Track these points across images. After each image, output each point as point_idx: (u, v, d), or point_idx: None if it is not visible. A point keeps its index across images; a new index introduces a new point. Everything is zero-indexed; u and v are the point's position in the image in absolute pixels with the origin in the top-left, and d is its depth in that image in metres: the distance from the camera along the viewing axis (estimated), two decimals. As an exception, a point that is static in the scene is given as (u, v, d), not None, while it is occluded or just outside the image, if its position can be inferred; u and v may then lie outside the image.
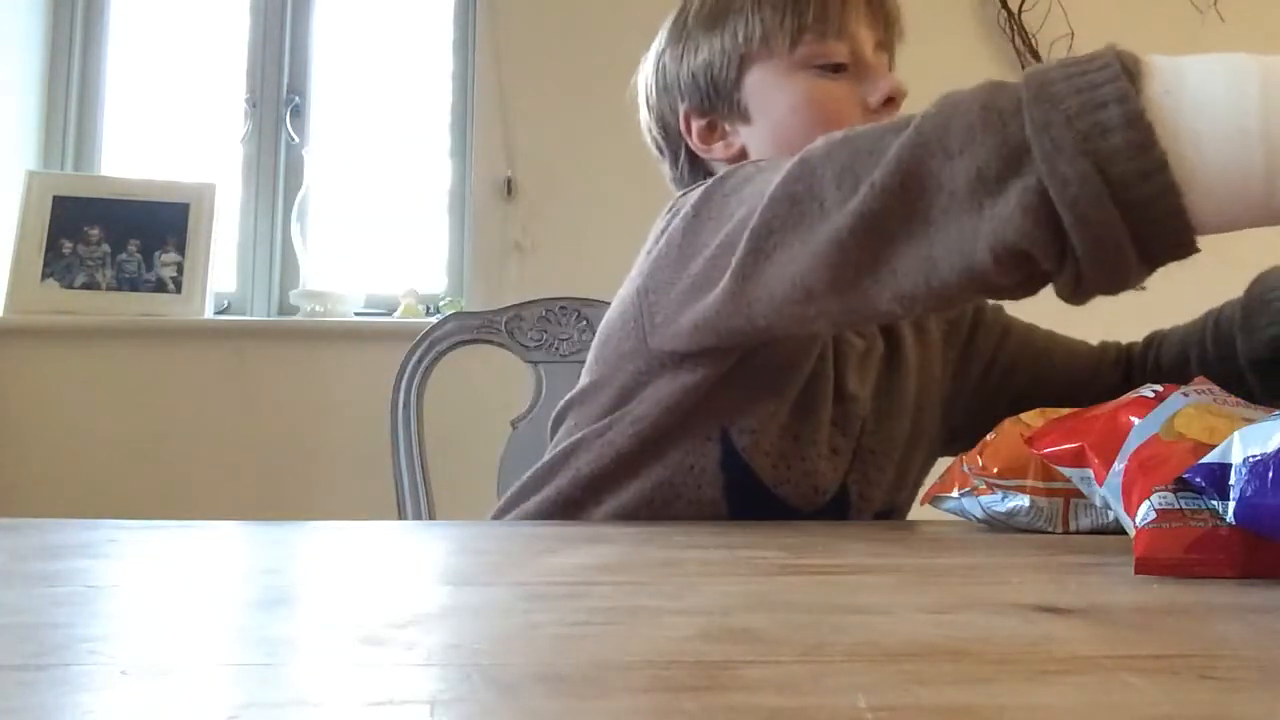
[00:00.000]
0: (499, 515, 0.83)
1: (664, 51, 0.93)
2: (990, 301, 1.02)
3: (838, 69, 0.88)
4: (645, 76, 0.95)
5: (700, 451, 0.77)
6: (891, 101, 0.89)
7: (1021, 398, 0.92)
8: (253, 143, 2.11)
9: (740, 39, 0.89)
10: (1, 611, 0.33)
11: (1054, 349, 1.09)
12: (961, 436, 0.94)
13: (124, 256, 1.97)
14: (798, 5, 0.88)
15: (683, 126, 0.93)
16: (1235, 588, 0.41)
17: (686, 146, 0.93)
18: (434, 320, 1.14)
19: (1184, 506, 0.45)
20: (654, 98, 0.94)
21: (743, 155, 0.90)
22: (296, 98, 2.12)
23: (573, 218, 1.93)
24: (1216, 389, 0.58)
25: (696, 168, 0.94)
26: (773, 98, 0.89)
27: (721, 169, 0.89)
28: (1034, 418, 0.77)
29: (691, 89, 0.92)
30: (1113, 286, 0.58)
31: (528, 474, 0.83)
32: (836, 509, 0.83)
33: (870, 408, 0.86)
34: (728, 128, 0.91)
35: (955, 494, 0.79)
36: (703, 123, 0.92)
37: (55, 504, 1.75)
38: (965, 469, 0.79)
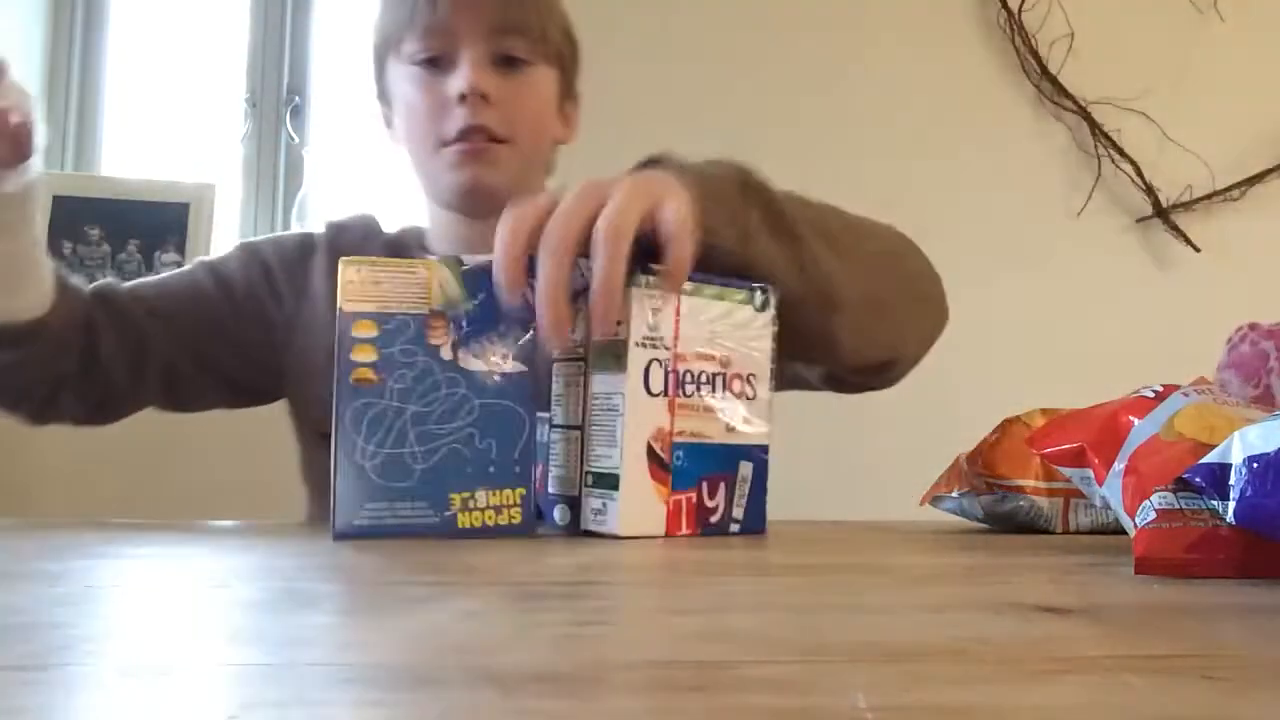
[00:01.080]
0: None
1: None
2: None
3: (434, 63, 0.92)
4: None
5: None
6: (465, 97, 0.90)
7: None
8: (253, 143, 2.11)
9: (376, 34, 0.97)
10: (1, 611, 0.33)
11: None
12: None
13: (124, 256, 1.97)
14: (406, 2, 0.92)
15: (380, 110, 1.01)
16: (1235, 588, 0.41)
17: None
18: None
19: (1184, 506, 0.45)
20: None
21: (397, 139, 0.98)
22: (296, 98, 2.12)
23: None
24: (1216, 389, 0.58)
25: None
26: (395, 89, 0.96)
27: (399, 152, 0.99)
28: (1034, 418, 0.77)
29: (374, 76, 1.00)
30: None
31: None
32: None
33: None
34: (387, 113, 1.00)
35: (955, 494, 0.79)
36: (381, 107, 1.01)
37: (56, 504, 1.75)
38: (965, 468, 0.79)
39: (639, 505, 0.62)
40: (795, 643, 0.28)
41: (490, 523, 0.62)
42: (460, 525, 0.61)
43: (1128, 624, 0.33)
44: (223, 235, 2.04)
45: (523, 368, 0.63)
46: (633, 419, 0.62)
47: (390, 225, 1.07)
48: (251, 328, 0.97)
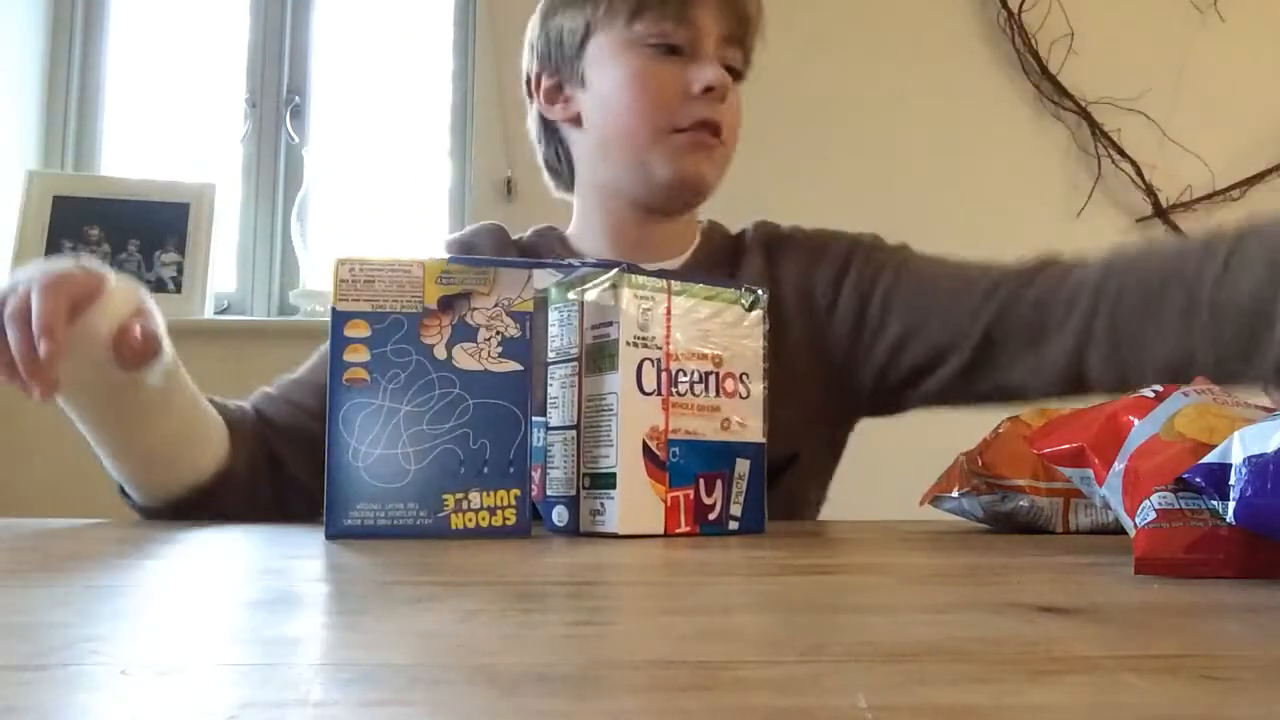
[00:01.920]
0: None
1: (537, 12, 0.98)
2: (880, 243, 0.99)
3: (671, 50, 0.91)
4: (527, 34, 1.00)
5: None
6: (712, 90, 0.90)
7: (907, 337, 0.91)
8: (253, 143, 2.11)
9: (588, 7, 0.93)
10: (1, 611, 0.33)
11: (941, 278, 0.93)
12: (883, 390, 0.94)
13: (124, 256, 1.97)
14: None
15: (534, 84, 0.98)
16: (1235, 588, 0.41)
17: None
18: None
19: (1184, 506, 0.45)
20: (525, 54, 1.00)
21: (578, 120, 0.95)
22: (296, 98, 2.12)
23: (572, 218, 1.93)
24: (1216, 389, 0.58)
25: (546, 126, 0.99)
26: (607, 68, 0.93)
27: (564, 130, 0.97)
28: (1034, 418, 0.77)
29: (544, 49, 0.97)
30: None
31: None
32: None
33: None
34: (569, 91, 0.96)
35: (955, 494, 0.79)
36: (551, 83, 0.97)
37: (55, 504, 1.75)
38: (965, 468, 0.79)
39: (637, 503, 0.62)
40: (795, 643, 0.28)
41: (484, 524, 0.62)
42: (453, 526, 0.61)
43: (1128, 624, 0.33)
44: (223, 235, 2.04)
45: (518, 366, 0.63)
46: (627, 418, 0.62)
47: (517, 231, 1.04)
48: None
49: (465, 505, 0.61)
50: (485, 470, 0.62)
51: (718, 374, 0.67)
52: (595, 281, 0.64)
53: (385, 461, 0.61)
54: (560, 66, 0.96)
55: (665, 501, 0.63)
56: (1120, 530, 0.53)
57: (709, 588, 0.42)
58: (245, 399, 0.91)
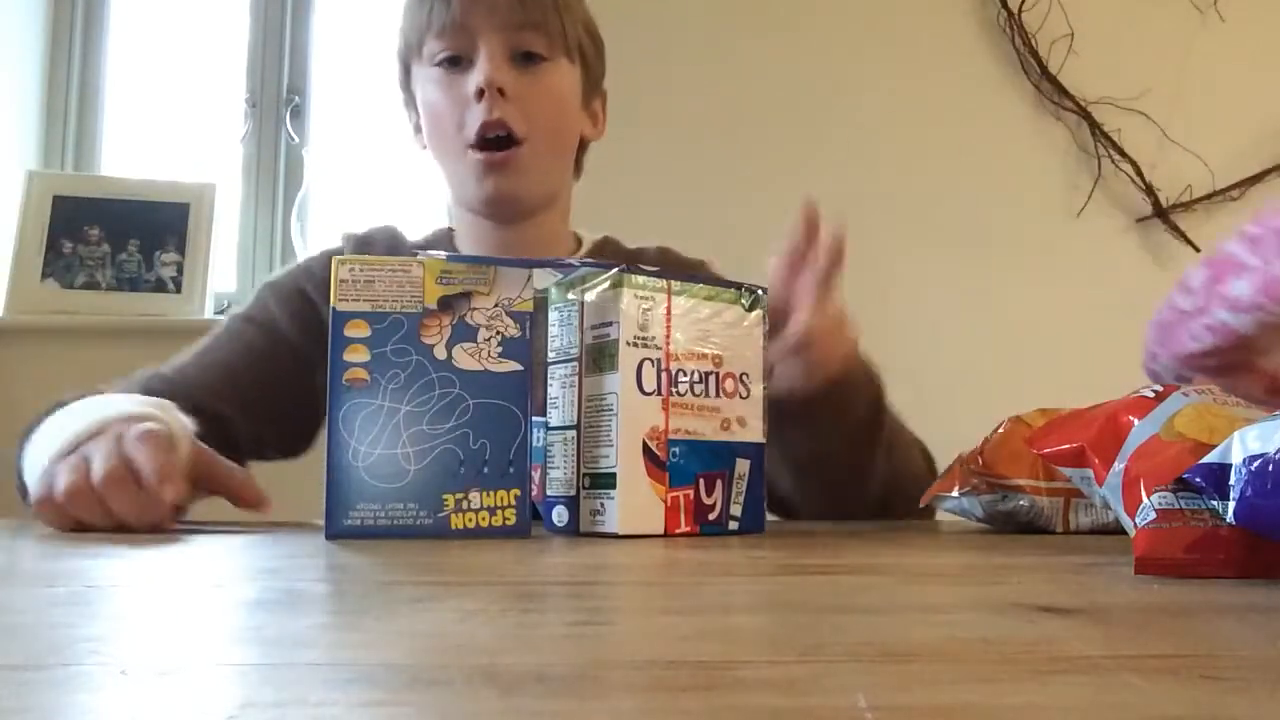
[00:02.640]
0: None
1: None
2: None
3: (454, 63, 0.92)
4: None
5: None
6: (483, 94, 0.90)
7: None
8: (253, 143, 2.11)
9: (400, 40, 0.97)
10: (1, 611, 0.33)
11: None
12: None
13: (124, 256, 1.97)
14: (420, 3, 0.93)
15: (407, 116, 1.01)
16: (1235, 588, 0.41)
17: None
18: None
19: (1184, 506, 0.45)
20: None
21: (424, 144, 0.98)
22: (296, 98, 2.12)
23: (573, 220, 1.93)
24: (1216, 389, 0.58)
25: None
26: (421, 92, 0.96)
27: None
28: (1034, 418, 0.77)
29: (399, 84, 1.00)
30: None
31: None
32: None
33: None
34: (412, 116, 1.00)
35: (955, 493, 0.79)
36: (412, 115, 1.01)
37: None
38: (965, 468, 0.79)
39: (637, 503, 0.62)
40: (795, 643, 0.28)
41: (484, 524, 0.62)
42: (453, 526, 0.61)
43: (1128, 624, 0.33)
44: (223, 235, 2.04)
45: (518, 366, 0.63)
46: (626, 418, 0.62)
47: (415, 233, 1.05)
48: (315, 366, 0.96)
49: (465, 505, 0.61)
50: (485, 470, 0.62)
51: (718, 374, 0.67)
52: (595, 281, 0.64)
53: (385, 461, 0.61)
54: (407, 100, 1.00)
55: (665, 502, 0.63)
56: (1120, 530, 0.53)
57: (709, 588, 0.42)
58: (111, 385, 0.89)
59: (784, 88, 2.06)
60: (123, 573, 0.44)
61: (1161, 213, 2.10)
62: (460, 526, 0.61)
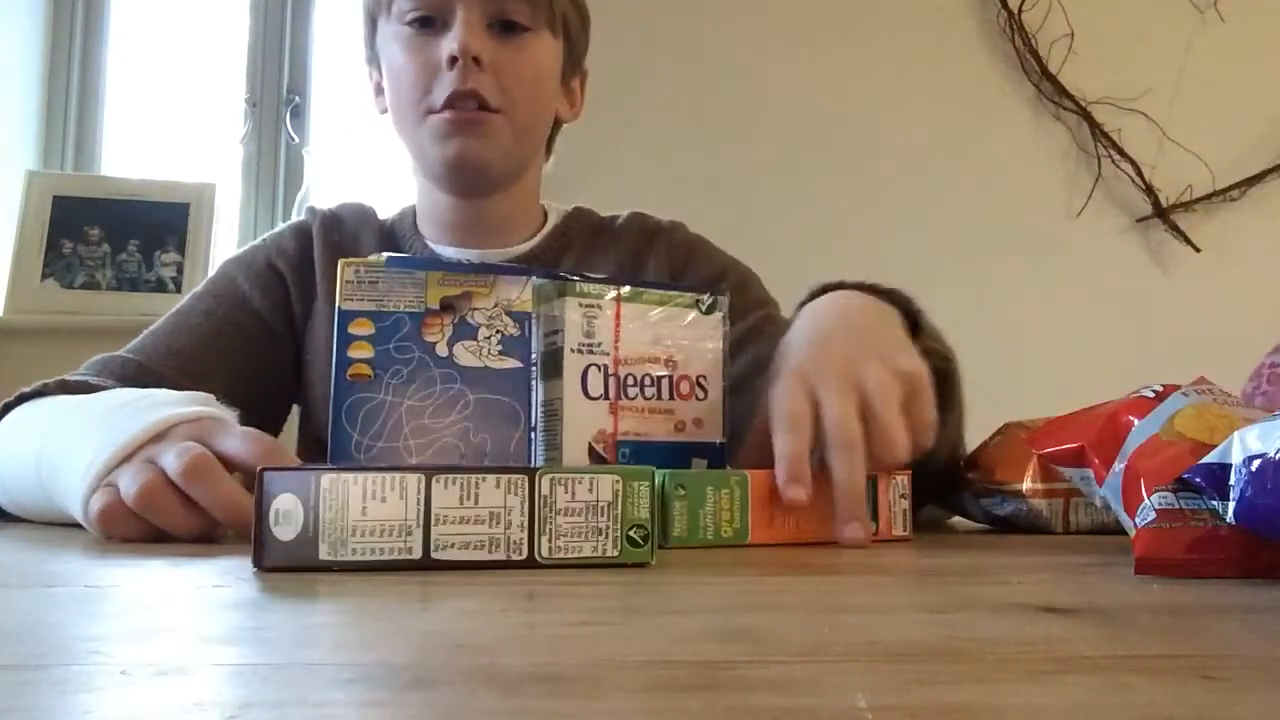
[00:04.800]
0: None
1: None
2: None
3: (426, 23, 0.87)
4: None
5: None
6: (455, 61, 0.84)
7: None
8: (253, 143, 2.11)
9: None
10: (1, 612, 0.33)
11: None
12: None
13: (124, 256, 1.97)
14: None
15: (369, 74, 0.98)
16: (1235, 588, 0.41)
17: None
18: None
19: (1184, 506, 0.45)
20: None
21: (387, 113, 0.93)
22: (296, 98, 2.12)
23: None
24: (1216, 389, 0.58)
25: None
26: (385, 51, 0.92)
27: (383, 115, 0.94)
28: (1035, 423, 0.77)
29: (364, 38, 0.97)
30: None
31: None
32: None
33: None
34: (376, 77, 0.96)
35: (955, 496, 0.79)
36: (374, 73, 0.97)
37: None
38: (964, 473, 0.79)
39: None
40: (795, 643, 0.28)
41: None
42: None
43: (1128, 624, 0.33)
44: (223, 235, 2.04)
45: (518, 364, 0.64)
46: (572, 422, 0.63)
47: (385, 211, 1.02)
48: (285, 343, 0.94)
49: None
50: (486, 464, 0.62)
51: (672, 377, 0.67)
52: (547, 290, 0.65)
53: (387, 455, 0.61)
54: (370, 56, 0.96)
55: None
56: (1120, 530, 0.53)
57: (709, 588, 0.42)
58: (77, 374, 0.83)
59: (784, 88, 2.06)
60: (122, 573, 0.44)
61: (1161, 213, 2.10)
62: None
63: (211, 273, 0.98)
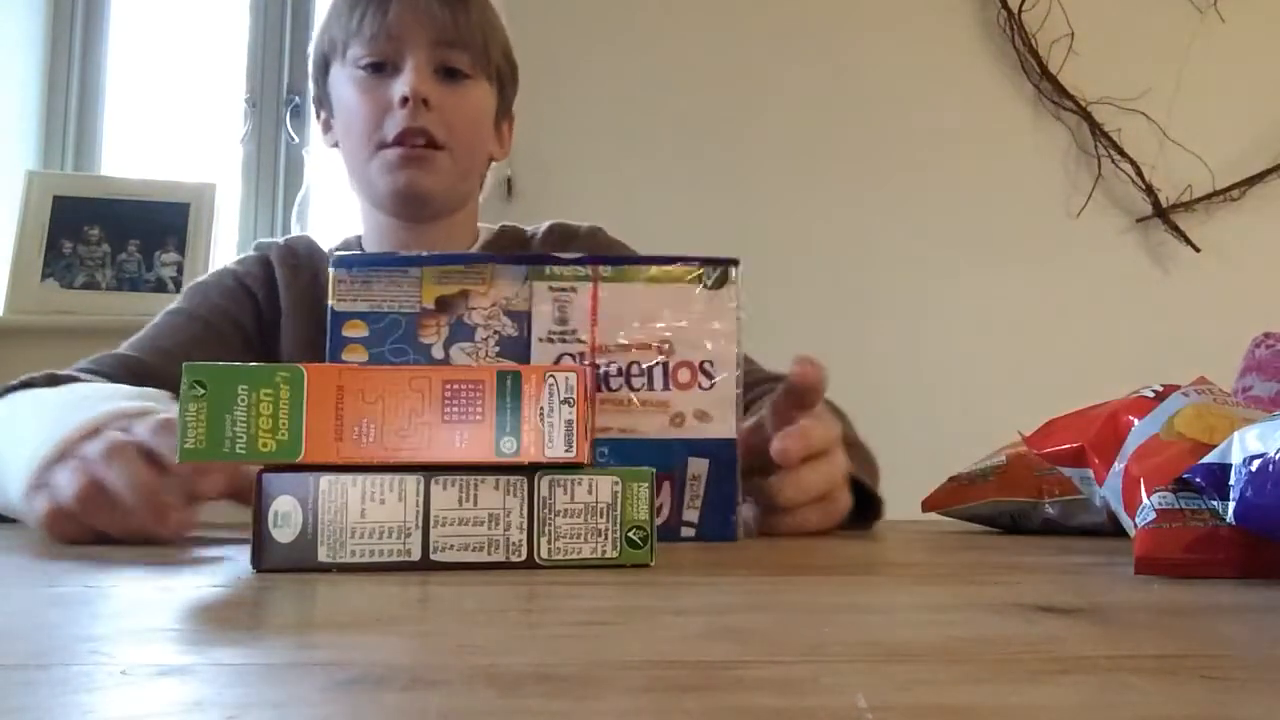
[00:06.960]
0: None
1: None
2: None
3: (378, 68, 0.94)
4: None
5: None
6: (407, 101, 0.92)
7: None
8: (253, 143, 2.11)
9: (321, 39, 0.99)
10: (1, 612, 0.33)
11: None
12: None
13: (124, 256, 1.97)
14: (352, 8, 0.95)
15: (315, 104, 1.04)
16: (1235, 588, 0.41)
17: None
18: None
19: (1184, 506, 0.45)
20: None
21: (337, 146, 1.00)
22: (296, 98, 2.12)
23: (572, 218, 1.93)
24: (1216, 389, 0.58)
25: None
26: (338, 90, 0.98)
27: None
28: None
29: (312, 72, 1.02)
30: None
31: None
32: None
33: None
34: (325, 114, 1.02)
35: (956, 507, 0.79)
36: (322, 111, 1.03)
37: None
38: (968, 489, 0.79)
39: None
40: (795, 643, 0.28)
41: None
42: None
43: (1128, 624, 0.33)
44: (223, 235, 2.04)
45: (515, 367, 0.63)
46: None
47: (328, 241, 1.09)
48: (259, 353, 0.98)
49: None
50: None
51: (667, 364, 0.60)
52: (513, 277, 0.62)
53: None
54: (321, 97, 1.02)
55: None
56: (1120, 530, 0.53)
57: (709, 588, 0.42)
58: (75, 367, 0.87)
59: (784, 88, 2.06)
60: (122, 573, 0.44)
61: (1161, 213, 2.10)
62: None
63: (178, 300, 1.01)
